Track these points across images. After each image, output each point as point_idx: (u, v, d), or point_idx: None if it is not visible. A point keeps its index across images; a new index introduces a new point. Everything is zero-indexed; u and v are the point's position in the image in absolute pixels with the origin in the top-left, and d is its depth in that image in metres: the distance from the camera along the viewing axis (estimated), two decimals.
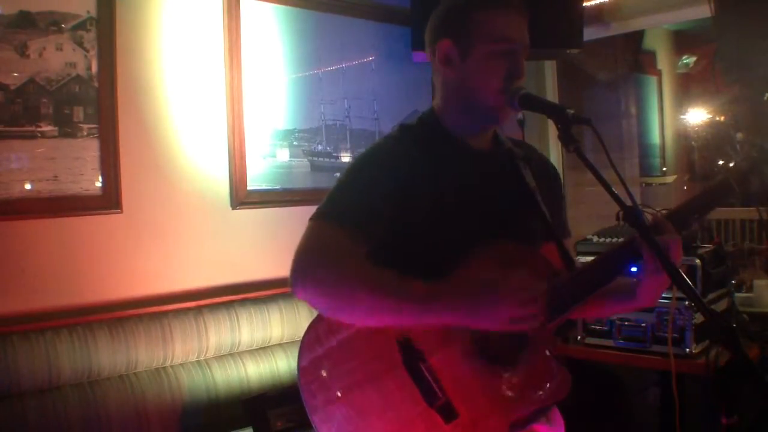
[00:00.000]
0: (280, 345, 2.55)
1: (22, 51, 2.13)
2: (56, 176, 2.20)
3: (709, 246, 2.60)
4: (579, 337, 2.64)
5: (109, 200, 2.30)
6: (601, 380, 2.88)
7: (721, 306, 2.54)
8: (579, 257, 2.41)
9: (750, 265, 3.06)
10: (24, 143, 2.13)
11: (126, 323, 2.19)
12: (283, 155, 2.83)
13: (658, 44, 5.56)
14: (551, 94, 3.66)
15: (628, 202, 1.21)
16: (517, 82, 1.39)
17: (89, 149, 2.27)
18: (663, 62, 5.62)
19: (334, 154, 3.00)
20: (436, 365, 1.36)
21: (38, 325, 2.06)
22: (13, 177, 2.11)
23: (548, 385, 1.40)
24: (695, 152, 5.50)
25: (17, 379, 1.95)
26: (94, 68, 2.28)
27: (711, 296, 2.48)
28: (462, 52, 1.42)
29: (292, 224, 2.74)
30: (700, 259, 2.43)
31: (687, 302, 2.35)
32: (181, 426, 2.20)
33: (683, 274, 1.11)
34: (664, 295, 2.44)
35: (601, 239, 2.66)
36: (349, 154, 3.04)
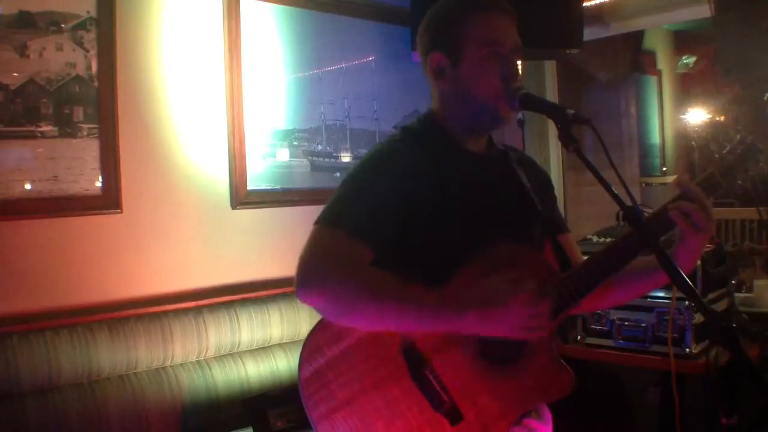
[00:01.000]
0: (280, 345, 2.55)
1: (22, 51, 2.13)
2: (56, 176, 2.20)
3: (709, 246, 2.59)
4: (579, 337, 2.64)
5: (109, 200, 2.30)
6: (600, 380, 2.87)
7: (721, 306, 2.54)
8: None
9: (750, 265, 3.05)
10: (24, 143, 2.13)
11: (126, 323, 2.19)
12: (283, 155, 2.83)
13: (658, 44, 5.57)
14: (551, 94, 3.65)
15: (628, 202, 1.20)
16: (513, 83, 1.39)
17: (89, 149, 2.27)
18: (663, 62, 5.63)
19: (334, 154, 3.00)
20: (440, 368, 1.36)
21: (38, 325, 2.05)
22: (13, 177, 2.11)
23: (551, 383, 1.41)
24: (695, 152, 5.49)
25: (17, 379, 1.95)
26: (94, 68, 2.28)
27: (711, 296, 2.48)
28: (453, 60, 1.42)
29: (292, 224, 2.75)
30: (699, 259, 2.42)
31: (687, 302, 2.35)
32: (181, 426, 2.20)
33: (683, 274, 1.10)
34: (664, 296, 2.45)
35: (601, 239, 2.66)
36: (349, 154, 3.04)
